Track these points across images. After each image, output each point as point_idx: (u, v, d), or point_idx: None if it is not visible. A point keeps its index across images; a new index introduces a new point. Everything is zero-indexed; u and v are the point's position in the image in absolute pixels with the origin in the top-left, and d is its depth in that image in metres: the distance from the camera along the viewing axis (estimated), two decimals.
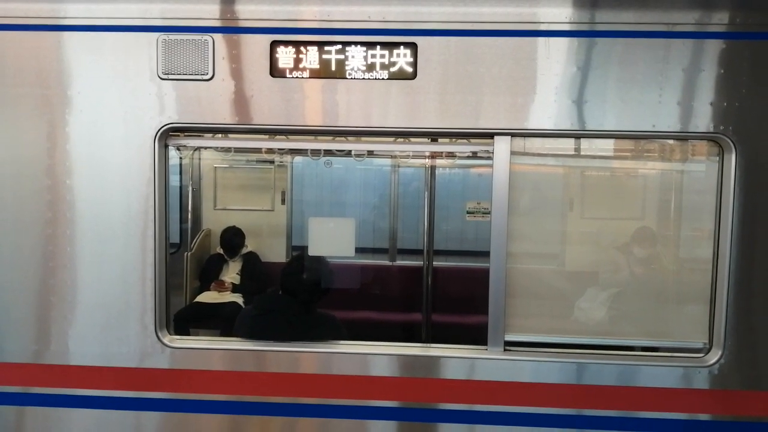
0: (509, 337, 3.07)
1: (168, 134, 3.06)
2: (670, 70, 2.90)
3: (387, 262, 6.38)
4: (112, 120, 3.03)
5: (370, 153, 3.53)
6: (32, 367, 3.14)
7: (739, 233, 2.93)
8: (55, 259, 3.09)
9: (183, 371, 3.10)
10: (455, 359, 3.06)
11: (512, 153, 2.99)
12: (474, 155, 3.24)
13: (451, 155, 3.88)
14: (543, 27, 2.91)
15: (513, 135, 2.98)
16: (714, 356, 2.99)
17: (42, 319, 3.12)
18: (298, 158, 6.12)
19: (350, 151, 3.33)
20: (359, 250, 3.40)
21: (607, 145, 3.31)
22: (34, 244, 3.09)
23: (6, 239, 3.10)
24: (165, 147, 3.09)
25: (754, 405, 3.00)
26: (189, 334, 4.67)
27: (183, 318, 5.28)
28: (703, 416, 3.01)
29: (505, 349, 3.06)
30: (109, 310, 3.09)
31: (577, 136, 3.11)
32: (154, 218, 3.05)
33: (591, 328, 3.33)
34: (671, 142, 3.19)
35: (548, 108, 2.93)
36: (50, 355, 3.12)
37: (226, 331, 3.91)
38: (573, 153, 3.31)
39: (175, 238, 5.77)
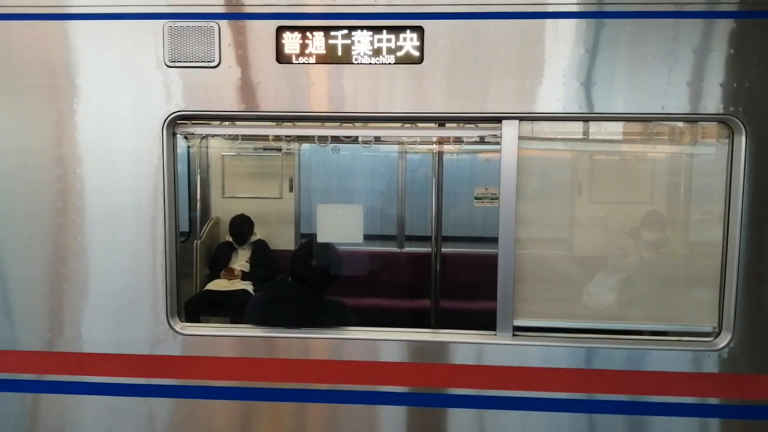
0: (518, 323, 3.08)
1: (176, 122, 3.07)
2: (679, 50, 2.86)
3: (395, 249, 6.39)
4: (120, 109, 3.04)
5: (377, 139, 3.52)
6: (46, 354, 3.17)
7: (749, 216, 2.91)
8: (67, 248, 3.11)
9: (194, 358, 3.13)
10: (464, 344, 3.07)
11: (520, 137, 2.97)
12: (481, 140, 3.23)
13: (458, 140, 3.87)
14: (550, 9, 2.88)
15: (521, 119, 2.96)
16: (724, 340, 2.98)
17: (54, 307, 3.15)
18: (305, 145, 6.13)
19: (357, 137, 3.32)
20: (367, 237, 3.40)
21: (615, 128, 3.28)
22: (46, 234, 3.11)
23: (18, 229, 3.12)
24: (173, 135, 3.09)
25: (765, 389, 2.99)
26: (200, 322, 4.71)
27: (193, 306, 5.32)
28: (713, 400, 3.01)
29: (513, 335, 3.06)
30: (121, 298, 3.12)
31: (586, 119, 3.08)
32: (163, 206, 3.07)
33: (600, 312, 3.32)
34: (680, 124, 3.16)
35: (556, 91, 2.91)
36: (63, 343, 3.16)
37: (237, 319, 3.94)
38: (581, 137, 3.28)
39: (184, 226, 5.80)
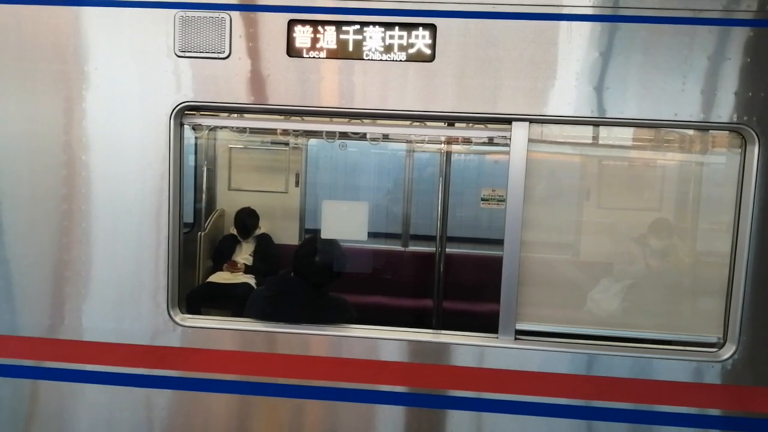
0: (520, 326, 3.05)
1: (183, 112, 3.06)
2: (694, 57, 2.83)
3: (399, 248, 6.37)
4: (128, 97, 3.03)
5: (385, 136, 3.50)
6: (46, 341, 3.17)
7: (759, 227, 2.88)
8: (70, 235, 3.11)
9: (194, 350, 3.12)
10: (465, 346, 3.05)
11: (529, 140, 2.95)
12: (490, 141, 3.21)
13: (467, 140, 3.85)
14: (565, 10, 2.85)
15: (531, 121, 2.94)
16: (728, 351, 2.95)
17: (56, 294, 3.15)
18: (312, 140, 6.11)
19: (365, 133, 3.30)
20: (371, 235, 3.37)
21: (625, 134, 3.26)
22: (50, 219, 3.11)
23: (22, 214, 3.12)
24: (180, 125, 3.08)
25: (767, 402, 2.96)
26: (201, 314, 4.70)
27: (195, 297, 5.31)
28: (715, 411, 2.98)
29: (515, 338, 3.04)
30: (123, 287, 3.11)
31: (597, 124, 3.05)
32: (168, 197, 3.05)
33: (603, 319, 3.30)
34: (692, 132, 3.12)
35: (568, 94, 2.88)
36: (64, 330, 3.15)
37: (238, 312, 3.93)
38: (591, 141, 3.26)
39: (189, 217, 5.79)
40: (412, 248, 6.36)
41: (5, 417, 3.23)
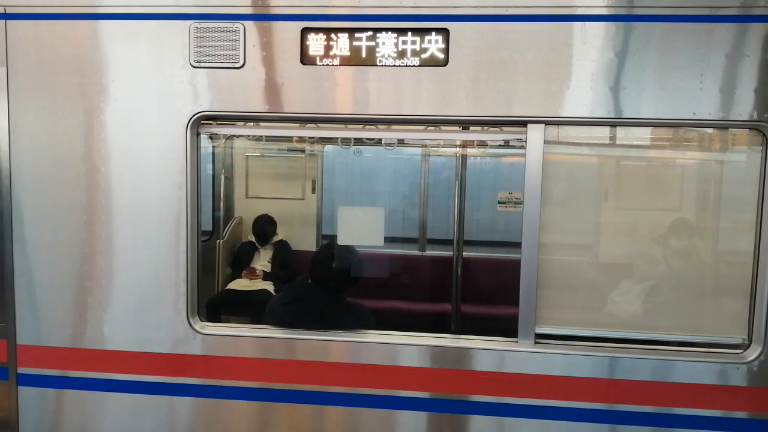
0: (540, 330, 3.03)
1: (200, 122, 3.08)
2: (712, 55, 2.79)
3: (416, 252, 6.36)
4: (145, 108, 3.06)
5: (401, 142, 3.50)
6: (69, 351, 3.21)
7: None
8: (91, 245, 3.14)
9: (214, 357, 3.14)
10: (485, 351, 3.03)
11: (546, 142, 2.93)
12: (506, 144, 3.19)
13: (482, 144, 3.84)
14: (579, 11, 2.83)
15: (547, 123, 2.92)
16: (753, 352, 2.90)
17: (78, 304, 3.18)
18: (328, 147, 6.13)
19: (380, 139, 3.30)
20: (388, 240, 3.37)
21: (643, 134, 3.22)
22: (70, 230, 3.15)
23: (43, 225, 3.17)
24: (197, 135, 3.11)
25: None
26: (220, 321, 4.73)
27: (214, 305, 5.35)
28: (740, 414, 2.93)
29: (535, 342, 3.02)
30: (143, 296, 3.14)
31: (614, 125, 3.02)
32: (186, 206, 3.08)
33: (624, 321, 3.26)
34: (710, 130, 3.08)
35: (584, 95, 2.86)
36: (86, 340, 3.19)
37: (257, 318, 3.95)
38: (608, 142, 3.23)
39: (207, 225, 5.84)
40: (429, 252, 6.35)
41: (31, 426, 3.27)
